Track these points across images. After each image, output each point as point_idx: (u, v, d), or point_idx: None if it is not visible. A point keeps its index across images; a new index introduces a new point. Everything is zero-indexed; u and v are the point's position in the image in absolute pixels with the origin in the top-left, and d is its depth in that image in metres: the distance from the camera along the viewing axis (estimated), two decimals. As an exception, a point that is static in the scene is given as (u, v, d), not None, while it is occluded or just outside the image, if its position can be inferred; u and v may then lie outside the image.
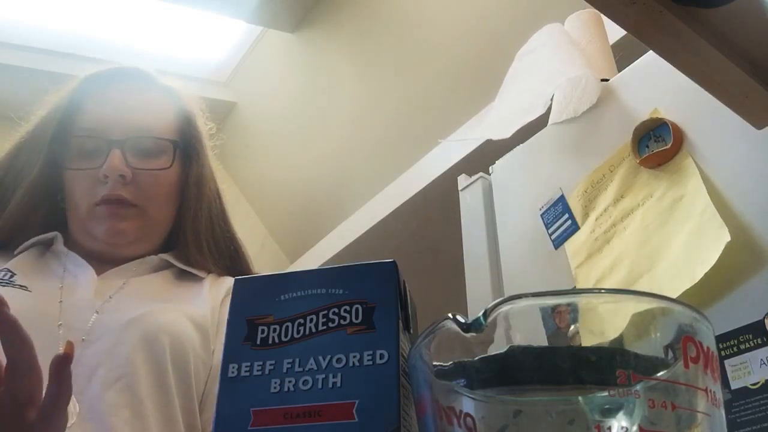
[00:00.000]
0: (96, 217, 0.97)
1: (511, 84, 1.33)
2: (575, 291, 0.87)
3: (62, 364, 0.63)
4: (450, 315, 0.39)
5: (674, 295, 0.91)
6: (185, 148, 1.04)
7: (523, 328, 0.38)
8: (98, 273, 0.96)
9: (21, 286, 0.90)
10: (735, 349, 0.87)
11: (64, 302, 0.89)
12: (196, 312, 0.93)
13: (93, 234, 0.98)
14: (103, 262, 0.98)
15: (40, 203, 1.00)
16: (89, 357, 0.85)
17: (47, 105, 1.05)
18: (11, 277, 0.91)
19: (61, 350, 0.83)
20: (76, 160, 0.99)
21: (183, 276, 1.01)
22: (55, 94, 1.05)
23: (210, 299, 0.97)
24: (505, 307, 0.38)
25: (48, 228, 1.00)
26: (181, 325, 0.90)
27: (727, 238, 0.89)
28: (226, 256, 1.05)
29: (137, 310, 0.89)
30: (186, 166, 1.04)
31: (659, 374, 0.36)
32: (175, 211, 1.03)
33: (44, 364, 0.83)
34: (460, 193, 1.43)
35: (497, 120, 1.30)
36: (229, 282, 1.02)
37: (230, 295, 0.99)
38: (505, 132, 1.27)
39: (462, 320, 0.38)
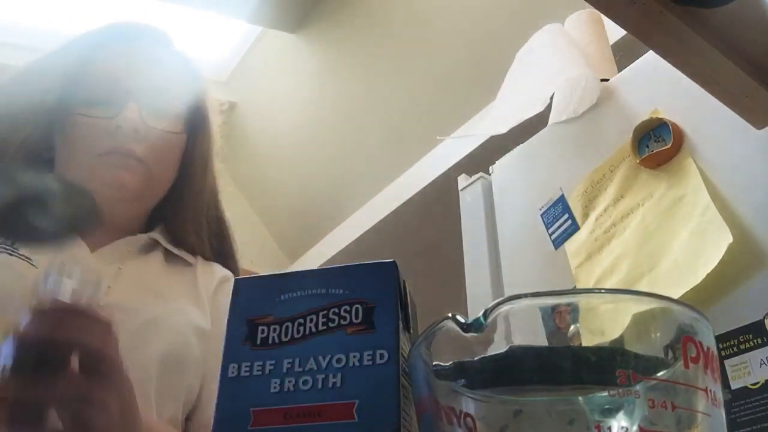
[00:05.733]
0: (98, 167, 0.92)
1: (510, 84, 1.33)
2: (575, 291, 0.87)
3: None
4: (450, 315, 0.39)
5: (676, 297, 0.91)
6: (195, 118, 1.02)
7: (523, 328, 0.38)
8: (90, 248, 0.92)
9: (25, 257, 0.84)
10: (735, 349, 0.87)
11: None
12: (196, 313, 0.92)
13: (90, 187, 0.91)
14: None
15: (33, 140, 0.94)
16: None
17: (61, 43, 1.01)
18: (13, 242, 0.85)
19: None
20: (84, 105, 0.94)
21: (172, 260, 0.98)
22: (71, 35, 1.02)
23: (203, 291, 0.95)
24: (505, 307, 0.38)
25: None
26: (187, 334, 0.88)
27: (729, 239, 0.89)
28: (215, 238, 1.03)
29: (142, 313, 0.86)
30: (193, 137, 1.02)
31: (659, 374, 0.36)
32: (172, 183, 1.00)
33: None
34: (460, 193, 1.43)
35: (496, 117, 1.30)
36: (218, 269, 1.01)
37: (223, 285, 0.98)
38: (503, 127, 1.27)
39: (462, 320, 0.38)
